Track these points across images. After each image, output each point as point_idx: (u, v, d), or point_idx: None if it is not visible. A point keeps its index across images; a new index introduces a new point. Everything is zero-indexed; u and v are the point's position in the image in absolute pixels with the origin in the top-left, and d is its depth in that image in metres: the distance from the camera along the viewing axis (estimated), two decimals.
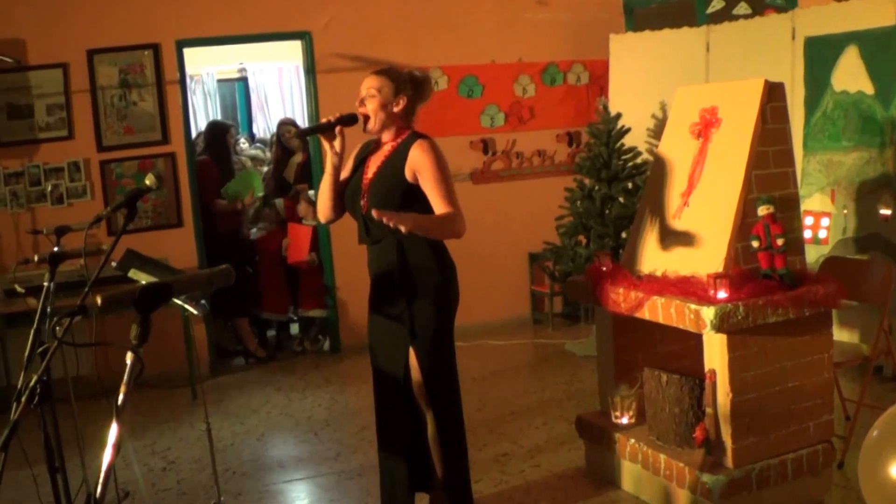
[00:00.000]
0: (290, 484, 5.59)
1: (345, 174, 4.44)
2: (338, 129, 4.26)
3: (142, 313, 2.49)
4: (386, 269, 4.26)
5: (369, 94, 4.23)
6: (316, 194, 8.51)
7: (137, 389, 7.29)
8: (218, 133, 8.83)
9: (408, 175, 4.16)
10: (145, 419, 6.95)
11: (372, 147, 4.40)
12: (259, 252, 8.77)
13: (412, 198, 4.17)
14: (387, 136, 4.30)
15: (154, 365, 7.37)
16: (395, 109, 4.23)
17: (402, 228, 3.82)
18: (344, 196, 4.40)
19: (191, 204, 8.07)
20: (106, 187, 7.80)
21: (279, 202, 8.89)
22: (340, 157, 4.33)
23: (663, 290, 4.49)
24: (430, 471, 4.49)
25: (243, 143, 10.64)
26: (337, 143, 4.29)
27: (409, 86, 4.26)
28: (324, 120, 4.31)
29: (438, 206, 4.15)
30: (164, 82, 7.89)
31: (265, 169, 9.89)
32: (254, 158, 10.38)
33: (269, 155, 10.42)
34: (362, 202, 4.24)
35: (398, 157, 4.20)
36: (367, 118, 4.26)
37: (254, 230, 8.83)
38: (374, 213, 3.87)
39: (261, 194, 8.80)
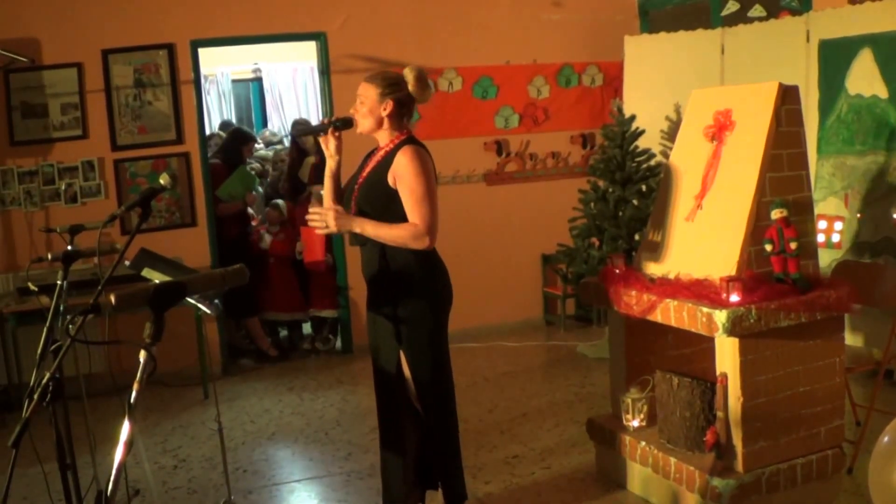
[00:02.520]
0: (300, 483, 5.61)
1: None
2: (331, 131, 4.36)
3: (155, 312, 2.51)
4: (373, 272, 4.34)
5: (359, 101, 4.34)
6: None
7: (149, 388, 7.32)
8: (238, 141, 8.81)
9: (390, 180, 4.22)
10: (157, 417, 6.99)
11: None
12: (269, 253, 8.76)
13: (393, 202, 4.23)
14: (383, 140, 4.36)
15: (166, 364, 7.39)
16: (383, 114, 4.28)
17: (331, 228, 4.26)
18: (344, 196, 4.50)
19: (205, 204, 8.10)
20: (120, 186, 7.83)
21: (282, 203, 8.86)
22: (337, 160, 4.42)
23: (676, 292, 4.49)
24: (427, 460, 4.57)
25: (258, 145, 10.61)
26: (332, 146, 4.38)
27: (394, 89, 4.30)
28: (322, 122, 4.41)
29: (409, 215, 4.21)
30: (179, 82, 7.92)
31: (272, 169, 9.89)
32: (263, 159, 10.38)
33: (271, 153, 10.41)
34: (353, 204, 4.31)
35: (386, 162, 4.26)
36: (348, 123, 4.40)
37: (266, 236, 8.77)
38: (308, 211, 4.33)
39: (255, 190, 8.79)
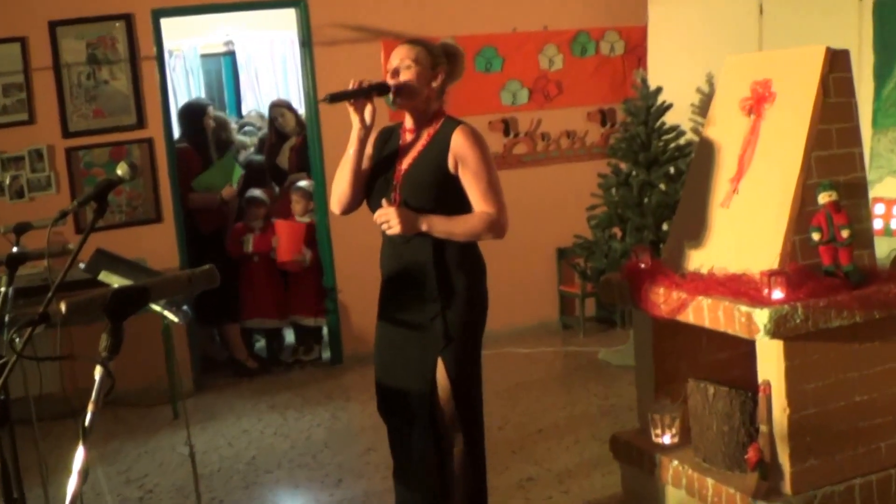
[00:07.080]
0: None
1: (365, 164, 4.43)
2: (373, 96, 4.23)
3: (113, 321, 2.49)
4: (412, 269, 4.25)
5: (404, 64, 4.20)
6: (311, 185, 8.53)
7: (110, 408, 7.33)
8: (193, 115, 8.76)
9: (450, 165, 4.17)
10: (120, 442, 6.98)
11: (397, 135, 4.39)
12: (253, 252, 8.70)
13: (449, 190, 4.19)
14: (418, 123, 4.29)
15: (130, 380, 7.40)
16: (434, 84, 4.24)
17: (395, 230, 4.10)
18: (369, 188, 4.37)
19: (171, 196, 8.07)
20: (73, 178, 7.80)
21: (261, 194, 8.76)
22: (369, 130, 4.29)
23: (710, 289, 4.48)
24: (445, 489, 4.50)
25: (234, 125, 10.49)
26: (368, 113, 4.22)
27: (445, 60, 4.28)
28: (355, 84, 4.25)
29: (477, 203, 4.18)
30: (139, 58, 7.88)
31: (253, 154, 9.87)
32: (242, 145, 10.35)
33: (249, 139, 10.37)
34: (394, 195, 4.23)
35: (438, 145, 4.20)
36: (398, 89, 4.21)
37: (249, 237, 8.68)
38: (375, 216, 4.17)
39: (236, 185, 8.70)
